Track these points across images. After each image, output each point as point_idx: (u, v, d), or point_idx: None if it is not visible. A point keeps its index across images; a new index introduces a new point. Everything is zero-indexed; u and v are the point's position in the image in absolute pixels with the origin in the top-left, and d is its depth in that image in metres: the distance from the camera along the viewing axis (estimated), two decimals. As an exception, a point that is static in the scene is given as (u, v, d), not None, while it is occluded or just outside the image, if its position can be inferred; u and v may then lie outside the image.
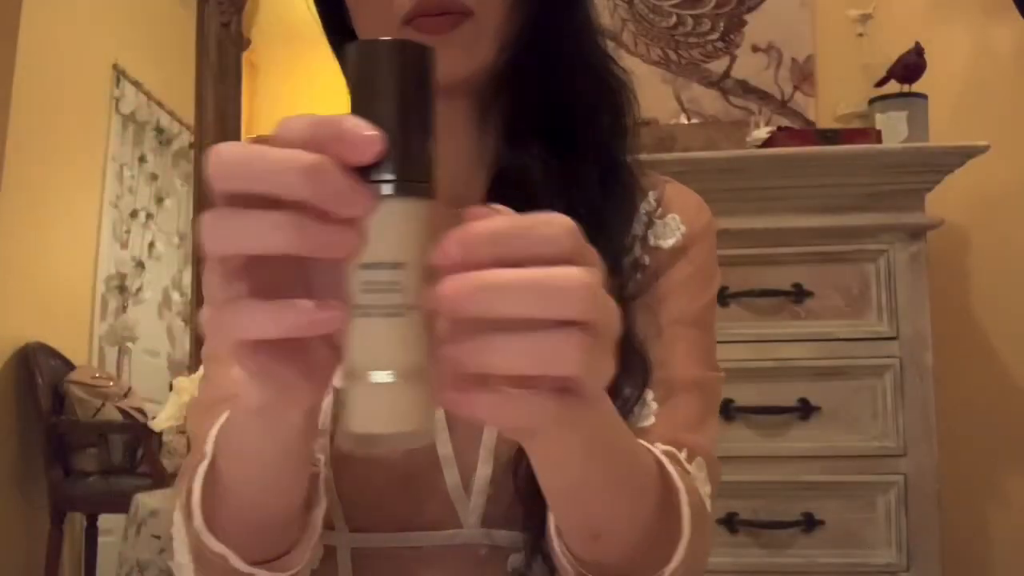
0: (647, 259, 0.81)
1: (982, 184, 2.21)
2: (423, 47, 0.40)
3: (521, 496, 0.70)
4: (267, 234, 0.36)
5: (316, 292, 0.38)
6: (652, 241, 0.81)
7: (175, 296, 4.59)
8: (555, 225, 0.39)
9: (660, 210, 0.82)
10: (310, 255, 0.37)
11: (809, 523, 1.82)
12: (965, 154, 1.87)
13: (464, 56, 0.73)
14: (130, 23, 4.17)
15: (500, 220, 0.38)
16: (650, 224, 0.82)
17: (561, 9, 0.78)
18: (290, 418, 0.47)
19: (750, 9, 2.44)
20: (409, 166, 0.38)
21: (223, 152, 0.37)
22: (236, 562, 0.55)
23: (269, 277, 0.38)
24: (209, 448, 0.55)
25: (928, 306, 1.83)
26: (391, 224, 0.38)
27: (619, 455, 0.53)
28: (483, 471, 0.71)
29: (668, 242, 0.81)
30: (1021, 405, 2.27)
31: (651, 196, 0.83)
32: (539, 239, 0.38)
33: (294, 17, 2.67)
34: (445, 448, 0.71)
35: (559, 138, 0.77)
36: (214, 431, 0.56)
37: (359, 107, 0.38)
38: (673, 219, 0.83)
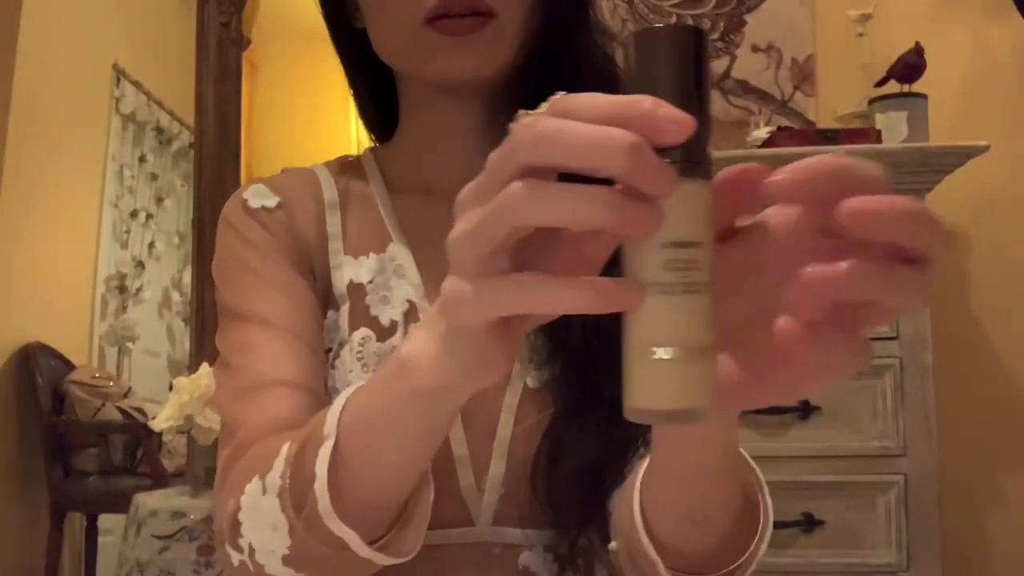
0: None
1: (982, 184, 2.21)
2: (699, 30, 0.40)
3: (538, 495, 0.71)
4: (589, 208, 0.36)
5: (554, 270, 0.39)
6: None
7: (175, 296, 4.59)
8: (877, 167, 0.39)
9: None
10: (622, 232, 0.37)
11: (809, 523, 1.82)
12: (965, 154, 1.87)
13: (486, 58, 0.74)
14: (130, 23, 4.17)
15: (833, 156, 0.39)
16: None
17: (572, 11, 0.78)
18: (459, 399, 0.48)
19: (750, 9, 2.44)
20: (698, 148, 0.39)
21: (537, 124, 0.37)
22: (359, 547, 0.55)
23: (522, 253, 0.39)
24: (331, 430, 0.54)
25: (928, 306, 1.83)
26: (689, 204, 0.39)
27: (736, 440, 0.55)
28: (496, 469, 0.72)
29: None
30: (1021, 405, 2.27)
31: None
32: (877, 178, 0.39)
33: (294, 17, 2.67)
34: (460, 447, 0.71)
35: None
36: (333, 414, 0.54)
37: (643, 91, 0.38)
38: None
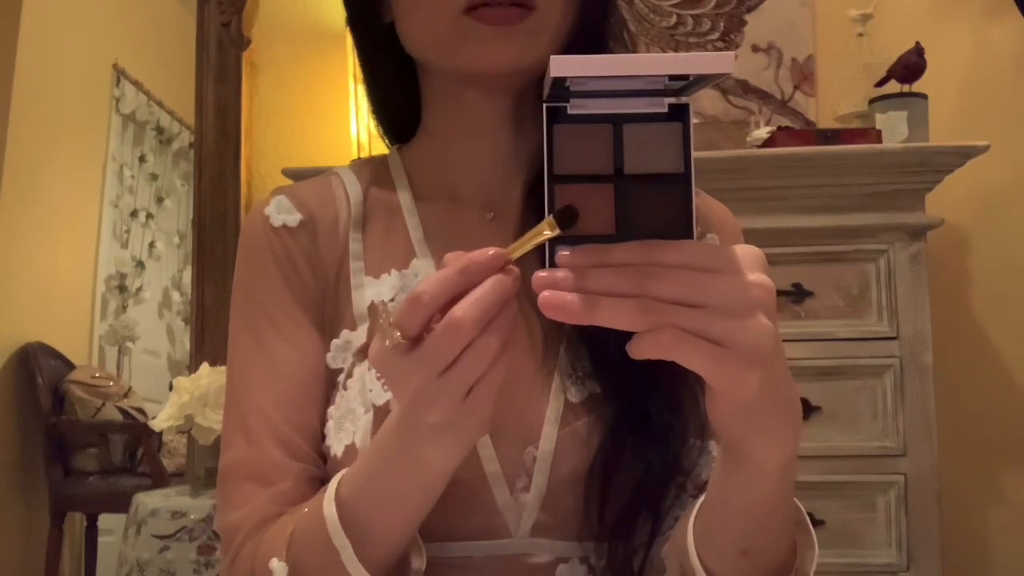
0: None
1: (982, 184, 2.21)
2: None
3: (588, 508, 0.70)
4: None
5: None
6: None
7: (175, 296, 4.59)
8: None
9: (698, 229, 0.76)
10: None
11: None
12: (965, 154, 1.87)
13: (524, 50, 0.72)
14: (130, 23, 4.17)
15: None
16: None
17: (604, 9, 0.77)
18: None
19: (750, 9, 2.44)
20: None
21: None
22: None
23: None
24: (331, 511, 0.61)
25: (928, 306, 1.83)
26: None
27: (793, 476, 0.58)
28: (539, 481, 0.71)
29: None
30: (1021, 405, 2.27)
31: None
32: None
33: (294, 17, 2.67)
34: (492, 464, 0.71)
35: None
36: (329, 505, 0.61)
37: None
38: (711, 239, 0.80)
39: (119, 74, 4.17)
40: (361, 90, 2.46)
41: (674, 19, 2.46)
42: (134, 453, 3.49)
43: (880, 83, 2.17)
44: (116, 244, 4.20)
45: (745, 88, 2.41)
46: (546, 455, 0.71)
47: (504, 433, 0.71)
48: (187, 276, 4.37)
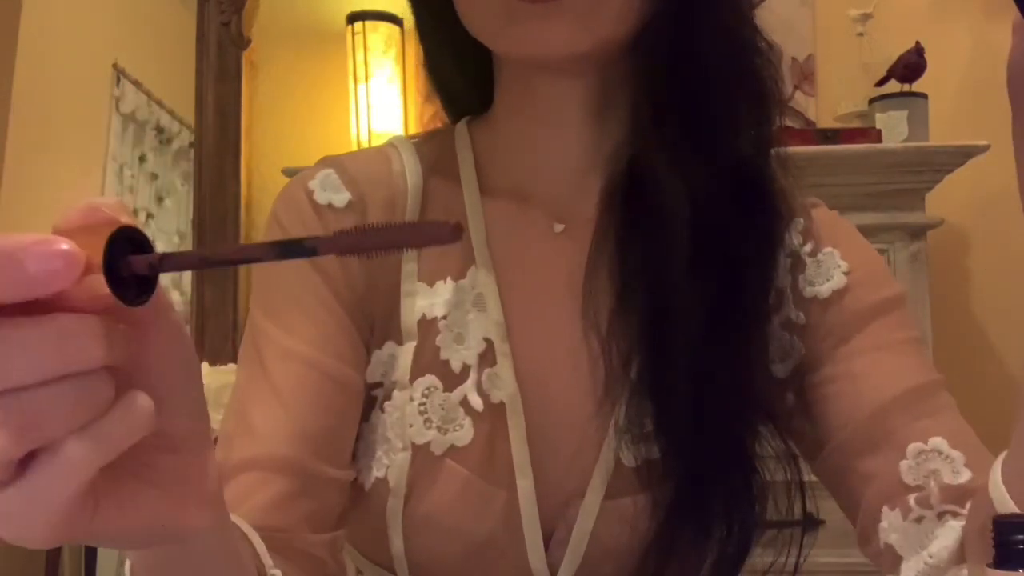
0: (800, 316, 0.67)
1: (982, 184, 2.21)
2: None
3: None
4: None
5: None
6: (804, 290, 0.68)
7: (175, 296, 4.59)
8: None
9: (810, 245, 0.69)
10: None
11: (809, 523, 1.82)
12: (965, 154, 1.87)
13: (579, 28, 0.60)
14: (130, 23, 4.17)
15: None
16: (798, 266, 0.68)
17: None
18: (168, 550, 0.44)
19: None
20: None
21: None
22: None
23: None
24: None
25: (928, 306, 1.83)
26: None
27: None
28: (572, 558, 0.64)
29: (826, 287, 0.68)
30: (1021, 405, 2.27)
31: (795, 228, 0.70)
32: None
33: (294, 17, 2.67)
34: (532, 527, 0.64)
35: (695, 135, 0.64)
36: None
37: None
38: (829, 254, 0.69)
39: (119, 74, 4.17)
40: (361, 90, 2.47)
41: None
42: (134, 453, 3.50)
43: (880, 83, 2.17)
44: (116, 244, 4.20)
45: (745, 88, 2.41)
46: (583, 533, 0.63)
47: (548, 497, 0.64)
48: (187, 276, 4.37)
